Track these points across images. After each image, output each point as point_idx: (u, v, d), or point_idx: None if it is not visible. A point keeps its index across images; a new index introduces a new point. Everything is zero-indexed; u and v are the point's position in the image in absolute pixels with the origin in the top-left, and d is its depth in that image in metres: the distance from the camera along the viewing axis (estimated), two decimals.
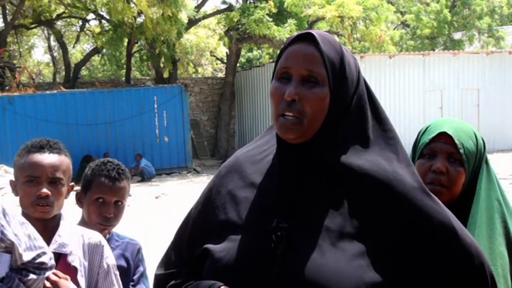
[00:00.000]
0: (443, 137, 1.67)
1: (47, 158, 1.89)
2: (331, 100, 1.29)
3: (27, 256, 1.67)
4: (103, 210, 2.20)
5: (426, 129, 1.74)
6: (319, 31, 1.35)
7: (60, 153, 1.94)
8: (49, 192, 1.85)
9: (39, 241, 1.74)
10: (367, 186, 1.28)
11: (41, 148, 1.91)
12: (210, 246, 1.34)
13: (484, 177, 1.69)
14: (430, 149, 1.68)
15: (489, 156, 1.75)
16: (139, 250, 2.39)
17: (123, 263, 2.26)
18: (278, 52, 1.42)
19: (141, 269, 2.37)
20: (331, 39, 1.33)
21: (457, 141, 1.65)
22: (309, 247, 1.24)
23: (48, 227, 1.90)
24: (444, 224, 1.28)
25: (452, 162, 1.66)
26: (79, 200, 2.27)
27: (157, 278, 1.48)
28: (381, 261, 1.24)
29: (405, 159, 1.34)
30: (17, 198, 2.00)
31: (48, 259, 1.75)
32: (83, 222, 2.23)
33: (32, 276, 1.69)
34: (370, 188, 1.28)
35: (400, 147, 1.36)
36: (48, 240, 1.85)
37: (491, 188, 1.68)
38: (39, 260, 1.71)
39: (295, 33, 1.35)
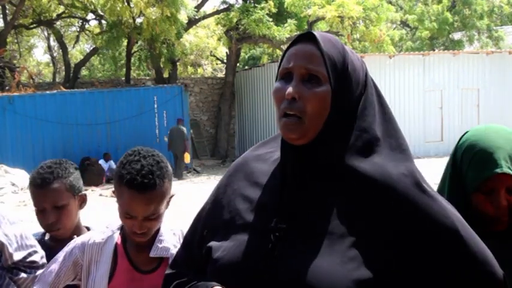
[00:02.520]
0: (501, 175, 1.56)
1: (142, 200, 1.75)
2: (333, 99, 1.28)
3: (17, 255, 1.68)
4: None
5: (474, 156, 1.59)
6: (322, 32, 1.35)
7: (155, 186, 1.75)
8: (145, 230, 1.80)
9: (31, 240, 1.75)
10: (369, 189, 1.27)
11: (136, 185, 1.73)
12: (212, 244, 1.35)
13: None
14: (487, 186, 1.58)
15: None
16: None
17: None
18: (277, 52, 1.42)
19: None
20: (333, 39, 1.33)
21: None
22: (306, 248, 1.24)
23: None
24: (449, 229, 1.25)
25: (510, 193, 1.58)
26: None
27: (165, 277, 1.49)
28: (379, 266, 1.22)
29: (411, 163, 1.32)
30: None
31: (40, 258, 1.76)
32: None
33: (22, 275, 1.71)
34: (373, 191, 1.26)
35: (407, 152, 1.33)
36: (149, 244, 1.85)
37: None
38: (30, 258, 1.72)
39: (297, 34, 1.34)
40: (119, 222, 1.93)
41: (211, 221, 1.42)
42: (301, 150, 1.30)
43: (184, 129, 16.01)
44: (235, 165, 1.47)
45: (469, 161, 1.61)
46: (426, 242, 1.24)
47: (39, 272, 1.77)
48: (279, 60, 1.36)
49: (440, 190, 1.68)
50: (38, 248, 1.78)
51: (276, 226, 1.27)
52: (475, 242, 1.28)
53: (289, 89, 1.27)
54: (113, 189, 1.91)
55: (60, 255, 1.85)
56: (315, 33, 1.31)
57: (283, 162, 1.34)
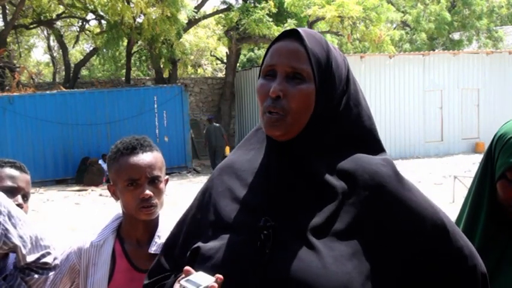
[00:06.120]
0: None
1: (142, 159, 1.85)
2: (317, 97, 1.28)
3: (31, 257, 1.69)
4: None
5: (507, 142, 1.59)
6: (306, 29, 1.34)
7: (152, 150, 1.90)
8: (151, 194, 1.82)
9: (46, 241, 1.75)
10: (355, 187, 1.27)
11: (133, 149, 1.86)
12: (200, 244, 1.34)
13: None
14: None
15: None
16: None
17: None
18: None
19: None
20: (318, 36, 1.32)
21: None
22: (296, 246, 1.23)
23: (148, 228, 1.88)
24: (437, 225, 1.28)
25: None
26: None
27: (144, 287, 1.47)
28: (371, 263, 1.22)
29: (389, 160, 1.33)
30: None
31: (52, 259, 1.77)
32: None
33: (34, 275, 1.71)
34: (359, 188, 1.27)
35: (385, 151, 1.35)
36: (148, 241, 1.86)
37: None
38: (43, 260, 1.73)
39: (282, 31, 1.33)
40: (114, 223, 1.93)
41: (196, 224, 1.40)
42: (284, 146, 1.29)
43: (219, 125, 17.13)
44: (219, 168, 1.46)
45: (500, 148, 1.62)
46: (415, 238, 1.26)
47: (51, 273, 1.78)
48: (263, 56, 1.35)
49: (474, 178, 1.69)
50: (52, 249, 1.78)
51: (265, 224, 1.25)
52: (460, 236, 1.31)
53: (273, 87, 1.26)
54: (110, 183, 1.90)
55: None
56: (300, 30, 1.30)
57: (267, 159, 1.33)
